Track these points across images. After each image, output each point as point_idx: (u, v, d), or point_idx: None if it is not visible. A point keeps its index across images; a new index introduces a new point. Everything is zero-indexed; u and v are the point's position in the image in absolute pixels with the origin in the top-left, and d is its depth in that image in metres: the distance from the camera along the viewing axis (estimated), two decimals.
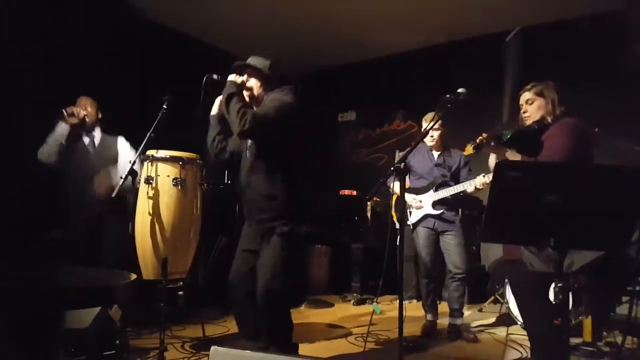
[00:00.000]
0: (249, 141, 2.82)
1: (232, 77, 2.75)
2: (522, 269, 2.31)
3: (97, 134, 3.71)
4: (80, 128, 3.62)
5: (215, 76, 2.81)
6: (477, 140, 2.57)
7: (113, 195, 2.94)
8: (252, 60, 2.83)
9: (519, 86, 2.69)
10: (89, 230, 3.50)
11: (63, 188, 3.59)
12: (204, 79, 2.79)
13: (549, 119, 2.47)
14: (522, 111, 2.60)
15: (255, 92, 2.81)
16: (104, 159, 3.61)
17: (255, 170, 2.76)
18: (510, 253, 2.44)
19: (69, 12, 4.36)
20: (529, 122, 2.55)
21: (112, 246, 3.41)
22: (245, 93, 2.80)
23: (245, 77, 2.80)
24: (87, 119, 3.62)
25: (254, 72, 2.81)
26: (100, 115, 3.72)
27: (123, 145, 3.73)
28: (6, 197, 3.55)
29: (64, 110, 3.50)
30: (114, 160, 3.63)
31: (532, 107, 2.55)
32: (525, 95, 2.59)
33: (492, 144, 2.59)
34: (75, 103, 3.63)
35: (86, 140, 3.66)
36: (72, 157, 3.56)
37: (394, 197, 4.37)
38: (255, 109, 2.76)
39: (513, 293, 2.77)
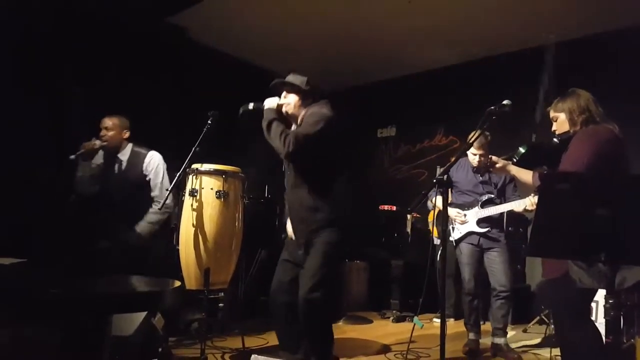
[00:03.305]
0: None
1: (268, 104, 2.82)
2: (564, 287, 2.25)
3: (125, 155, 3.60)
4: (108, 153, 3.60)
5: (250, 106, 2.85)
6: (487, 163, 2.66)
7: (158, 208, 3.03)
8: (290, 78, 2.90)
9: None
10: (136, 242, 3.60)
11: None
12: (240, 112, 2.84)
13: (572, 131, 2.47)
14: (552, 128, 2.62)
15: (293, 108, 2.86)
16: (129, 181, 3.54)
17: (298, 184, 2.82)
18: (551, 272, 2.38)
19: (117, 33, 4.55)
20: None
21: (159, 257, 3.49)
22: (284, 110, 2.85)
23: (283, 94, 2.88)
24: (99, 144, 3.53)
25: (291, 88, 2.87)
26: (126, 135, 3.62)
27: (149, 164, 3.59)
28: (60, 208, 3.70)
29: (73, 156, 3.49)
30: (139, 181, 3.55)
31: (557, 124, 2.57)
32: (550, 113, 2.62)
33: (498, 165, 2.65)
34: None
35: (116, 164, 3.59)
36: (106, 181, 3.55)
37: (435, 211, 4.30)
38: (294, 125, 2.85)
39: (553, 312, 2.69)
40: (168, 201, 3.15)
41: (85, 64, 4.34)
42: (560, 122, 2.54)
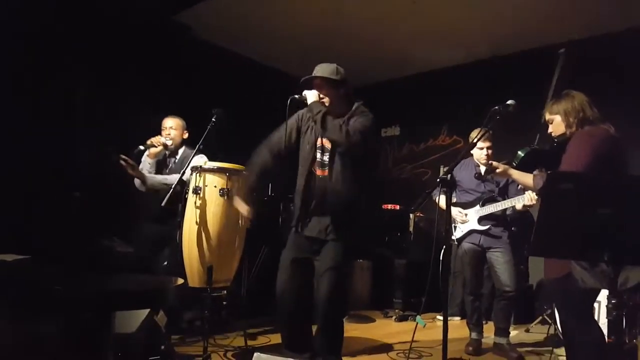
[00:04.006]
0: (324, 143, 2.85)
1: (312, 97, 2.78)
2: (567, 287, 2.25)
3: (180, 154, 3.71)
4: (166, 152, 3.69)
5: (297, 97, 2.82)
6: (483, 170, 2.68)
7: (162, 204, 3.04)
8: (319, 70, 2.86)
9: None
10: (150, 242, 3.60)
11: (131, 201, 3.71)
12: (289, 101, 2.79)
13: (568, 132, 2.48)
14: (548, 130, 2.63)
15: (329, 101, 2.83)
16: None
17: (338, 175, 2.78)
18: (553, 271, 2.38)
19: (122, 31, 4.56)
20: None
21: (170, 257, 3.49)
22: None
23: (314, 90, 2.83)
24: (169, 144, 3.64)
25: (322, 82, 2.84)
26: (186, 135, 3.74)
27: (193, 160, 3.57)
28: (63, 206, 3.71)
29: (142, 147, 3.54)
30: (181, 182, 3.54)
31: (553, 126, 2.58)
32: (545, 116, 2.62)
33: (499, 170, 2.66)
34: (161, 122, 3.73)
35: (169, 162, 3.71)
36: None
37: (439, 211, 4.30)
38: (331, 116, 2.79)
39: (559, 313, 2.70)
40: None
41: (90, 62, 4.36)
42: (556, 124, 2.55)
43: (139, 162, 3.61)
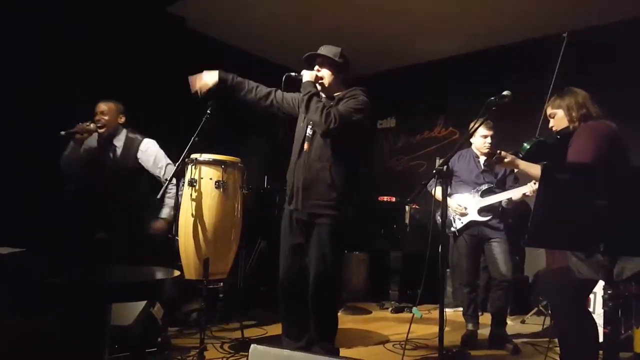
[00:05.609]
0: (312, 128, 2.88)
1: (307, 77, 2.82)
2: (565, 278, 2.26)
3: (120, 141, 3.57)
4: (102, 138, 3.55)
5: (293, 74, 2.87)
6: (493, 158, 2.68)
7: (158, 197, 3.04)
8: (323, 50, 2.89)
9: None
10: (132, 232, 3.58)
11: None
12: (284, 78, 2.85)
13: (571, 127, 2.51)
14: (549, 125, 2.66)
15: (327, 81, 2.88)
16: (124, 168, 3.53)
17: (324, 158, 2.81)
18: (554, 262, 2.40)
19: (116, 22, 4.52)
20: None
21: (155, 247, 3.48)
22: (319, 82, 2.88)
23: (316, 68, 2.88)
24: (100, 130, 3.49)
25: (325, 61, 2.88)
26: (122, 120, 3.59)
27: (145, 153, 3.58)
28: (59, 198, 3.69)
29: (63, 133, 3.40)
30: (133, 168, 3.52)
31: (555, 120, 2.61)
32: (547, 110, 2.66)
33: (507, 160, 2.66)
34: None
35: (110, 151, 3.56)
36: (100, 167, 3.53)
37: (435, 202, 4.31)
38: (323, 96, 2.86)
39: (550, 300, 2.73)
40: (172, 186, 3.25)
41: (84, 53, 4.32)
42: (558, 119, 2.58)
43: (66, 148, 3.49)
